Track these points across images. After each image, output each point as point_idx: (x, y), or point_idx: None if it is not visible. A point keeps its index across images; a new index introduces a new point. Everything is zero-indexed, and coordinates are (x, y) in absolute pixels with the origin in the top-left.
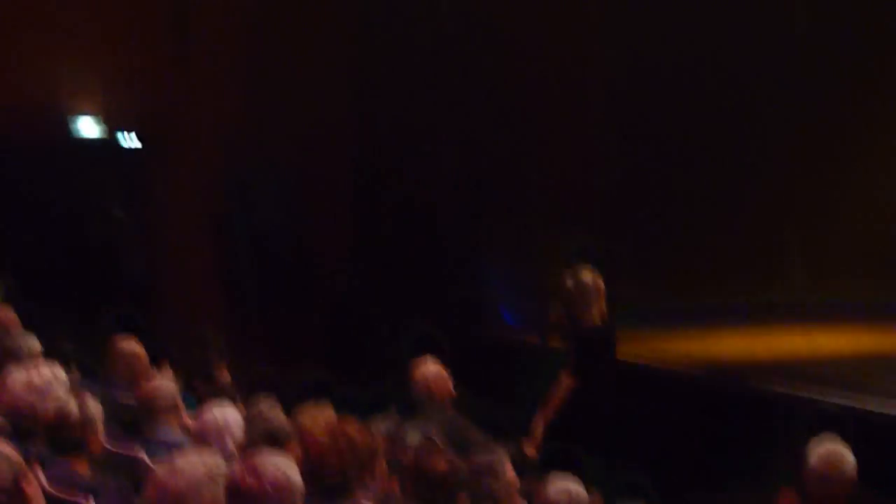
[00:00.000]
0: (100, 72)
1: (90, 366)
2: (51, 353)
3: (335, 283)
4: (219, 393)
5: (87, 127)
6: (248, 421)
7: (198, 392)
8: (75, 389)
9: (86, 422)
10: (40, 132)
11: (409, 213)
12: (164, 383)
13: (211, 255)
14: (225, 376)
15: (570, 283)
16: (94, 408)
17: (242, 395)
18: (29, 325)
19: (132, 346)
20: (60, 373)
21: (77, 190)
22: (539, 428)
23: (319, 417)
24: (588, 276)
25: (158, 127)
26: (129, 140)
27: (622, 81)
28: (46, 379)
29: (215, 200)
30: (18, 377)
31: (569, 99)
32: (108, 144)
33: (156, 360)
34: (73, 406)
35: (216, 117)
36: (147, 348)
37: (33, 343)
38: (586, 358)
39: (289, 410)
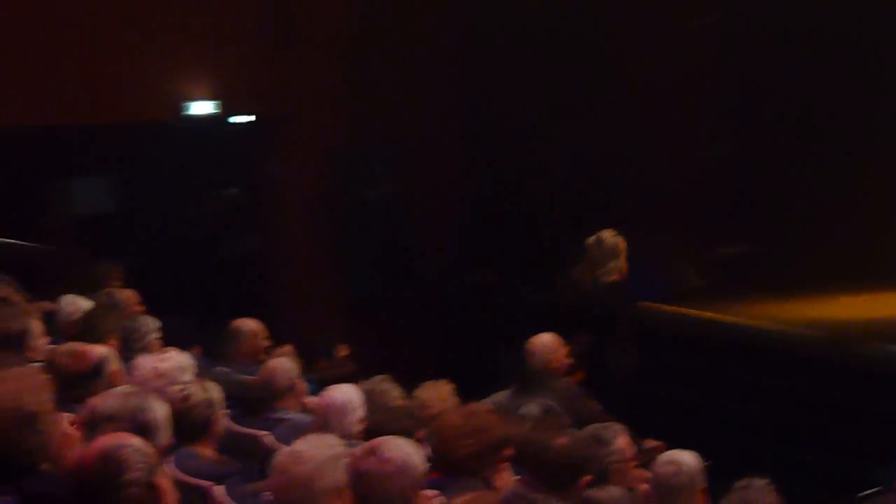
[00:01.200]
0: (212, 54)
1: (210, 345)
2: (171, 333)
3: (447, 261)
4: (339, 373)
5: (202, 109)
6: (369, 400)
7: (318, 372)
8: (198, 373)
9: (209, 406)
10: (156, 115)
11: (519, 191)
12: (284, 362)
13: (324, 234)
14: (344, 356)
15: (592, 240)
16: (217, 391)
17: (361, 374)
18: (149, 305)
19: (252, 325)
20: (185, 358)
21: (192, 171)
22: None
23: (441, 396)
24: (609, 235)
25: (271, 107)
26: (243, 120)
27: (730, 74)
28: (172, 365)
29: (328, 179)
30: (145, 364)
31: (674, 94)
32: (221, 125)
33: (275, 340)
34: (198, 391)
35: (327, 96)
36: (266, 328)
37: (153, 323)
38: (602, 310)
39: (407, 389)
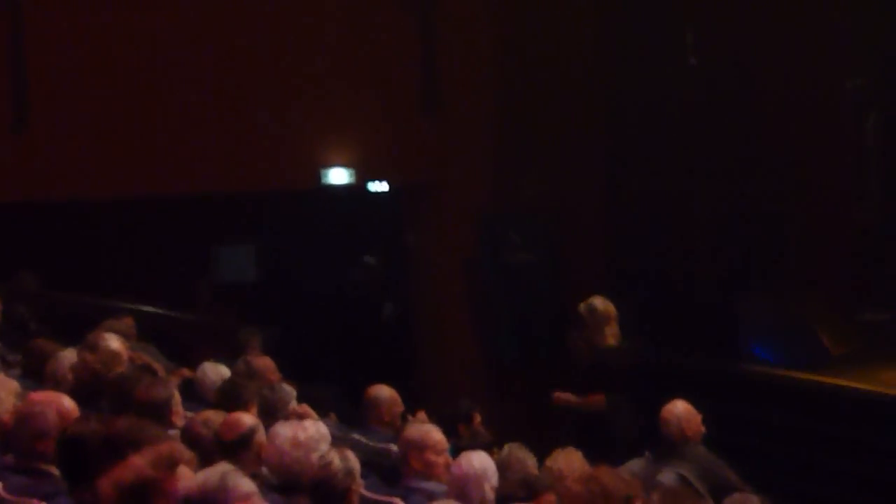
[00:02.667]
0: (349, 122)
1: (347, 411)
2: (308, 400)
3: None
4: (475, 440)
5: (339, 177)
6: (504, 468)
7: (456, 439)
8: (336, 440)
9: (348, 474)
10: (295, 183)
11: (666, 255)
12: (425, 429)
13: (467, 300)
14: (479, 423)
15: (583, 308)
16: (354, 459)
17: (497, 441)
18: (287, 373)
19: (387, 392)
20: (323, 427)
21: (332, 239)
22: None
23: (573, 464)
24: (599, 302)
25: (409, 174)
26: (380, 187)
27: (882, 137)
28: (311, 434)
29: (471, 245)
30: (284, 433)
31: (824, 155)
32: (359, 193)
33: (411, 407)
34: (336, 460)
35: (470, 162)
36: (403, 395)
37: (291, 391)
38: (602, 377)
39: (543, 457)
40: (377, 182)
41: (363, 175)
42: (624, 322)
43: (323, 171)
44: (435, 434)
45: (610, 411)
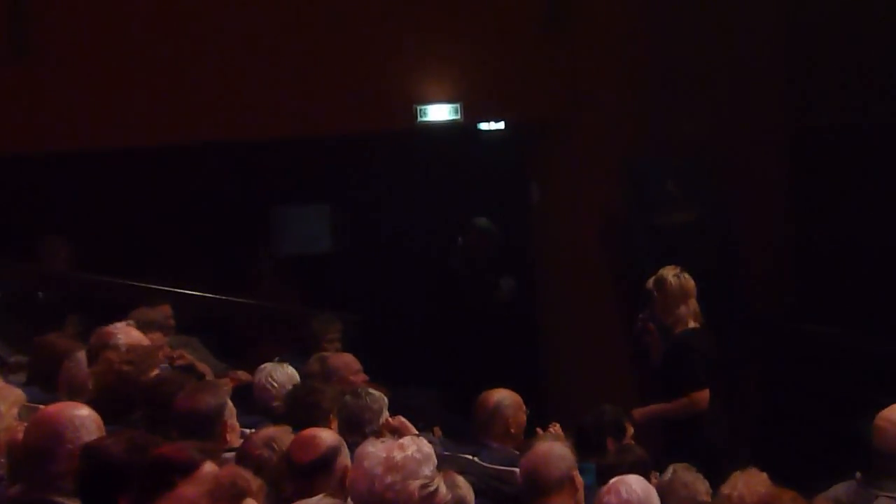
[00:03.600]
0: (454, 45)
1: (454, 424)
2: (404, 409)
3: (776, 307)
4: (627, 459)
5: (441, 114)
6: (667, 495)
7: (599, 458)
8: (443, 462)
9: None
10: (383, 124)
11: (867, 216)
12: (556, 448)
13: (606, 273)
14: (632, 436)
15: (651, 284)
16: (467, 487)
17: (654, 462)
18: (376, 374)
19: (509, 398)
20: (426, 445)
21: (429, 195)
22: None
23: (755, 489)
24: (671, 274)
25: (532, 110)
26: (494, 128)
27: None
28: (410, 454)
29: (608, 202)
30: (375, 453)
31: None
32: (467, 135)
33: (539, 416)
34: (442, 487)
35: (608, 95)
36: (528, 400)
37: (381, 399)
38: (678, 367)
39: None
40: (490, 121)
41: (472, 112)
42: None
43: (420, 108)
44: (563, 452)
45: (707, 414)
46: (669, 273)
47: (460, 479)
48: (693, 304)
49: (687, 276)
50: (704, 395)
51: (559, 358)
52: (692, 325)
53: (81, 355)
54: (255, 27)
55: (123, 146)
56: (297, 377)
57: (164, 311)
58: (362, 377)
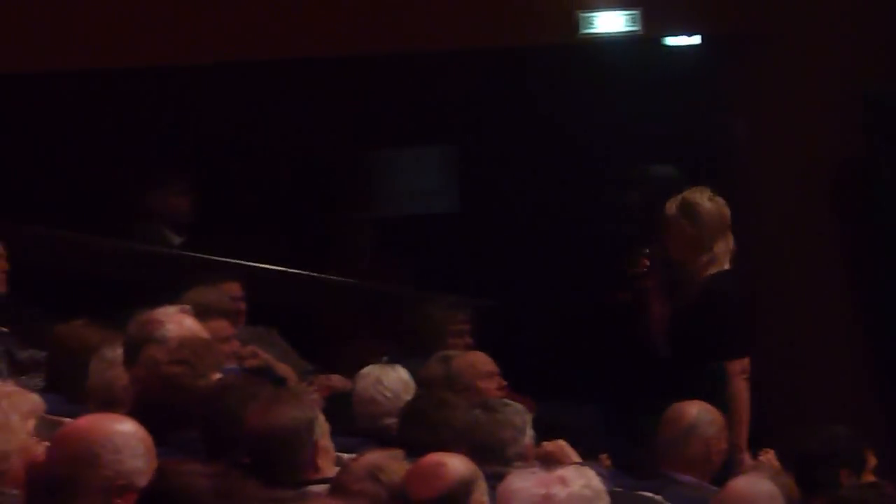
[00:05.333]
0: None
1: (625, 449)
2: (555, 427)
3: None
4: (869, 498)
5: (612, 24)
6: None
7: (826, 494)
8: (615, 502)
9: None
10: (533, 36)
11: None
12: (761, 484)
13: (838, 238)
14: (873, 469)
15: (671, 210)
16: None
17: None
18: (517, 382)
19: (700, 414)
20: (594, 478)
21: (597, 132)
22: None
23: None
24: (704, 197)
25: (734, 19)
26: (683, 41)
27: None
28: (574, 492)
29: (845, 141)
30: (525, 488)
31: None
32: (647, 51)
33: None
34: None
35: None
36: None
37: (523, 413)
38: (704, 320)
39: None
40: (679, 34)
41: (655, 22)
42: None
43: (584, 17)
44: (786, 487)
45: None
46: (702, 196)
47: None
48: (731, 239)
49: (722, 200)
50: (746, 364)
51: (772, 361)
52: (726, 266)
53: (116, 352)
54: None
55: (148, 63)
56: (411, 384)
57: (230, 291)
58: (498, 384)
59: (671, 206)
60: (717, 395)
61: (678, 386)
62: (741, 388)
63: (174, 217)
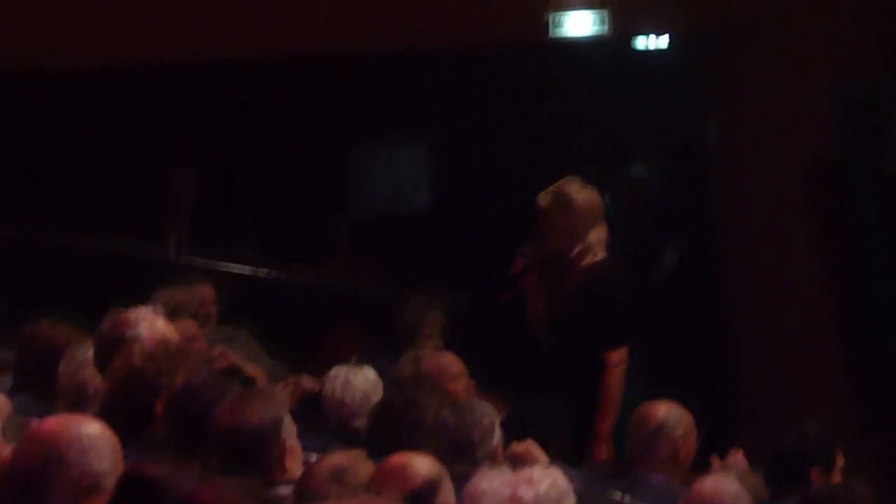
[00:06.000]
0: None
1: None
2: (525, 427)
3: None
4: (840, 500)
5: (581, 25)
6: None
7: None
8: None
9: None
10: (504, 36)
11: None
12: (729, 487)
13: (813, 238)
14: (841, 468)
15: (545, 202)
16: None
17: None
18: (486, 379)
19: (673, 413)
20: (561, 479)
21: (567, 130)
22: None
23: None
24: (574, 187)
25: (704, 16)
26: (653, 43)
27: None
28: (542, 492)
29: (819, 139)
30: (492, 489)
31: None
32: (617, 52)
33: (714, 439)
34: None
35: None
36: (699, 416)
37: (491, 413)
38: (582, 310)
39: None
40: (647, 35)
41: (622, 22)
42: None
43: (553, 17)
44: (754, 487)
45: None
46: (573, 186)
47: None
48: (604, 228)
49: (593, 189)
50: (623, 354)
51: (744, 359)
52: (601, 256)
53: (86, 351)
54: None
55: (140, 61)
56: (380, 385)
57: (201, 293)
58: (465, 384)
59: (545, 199)
60: (592, 384)
61: (560, 377)
62: (615, 379)
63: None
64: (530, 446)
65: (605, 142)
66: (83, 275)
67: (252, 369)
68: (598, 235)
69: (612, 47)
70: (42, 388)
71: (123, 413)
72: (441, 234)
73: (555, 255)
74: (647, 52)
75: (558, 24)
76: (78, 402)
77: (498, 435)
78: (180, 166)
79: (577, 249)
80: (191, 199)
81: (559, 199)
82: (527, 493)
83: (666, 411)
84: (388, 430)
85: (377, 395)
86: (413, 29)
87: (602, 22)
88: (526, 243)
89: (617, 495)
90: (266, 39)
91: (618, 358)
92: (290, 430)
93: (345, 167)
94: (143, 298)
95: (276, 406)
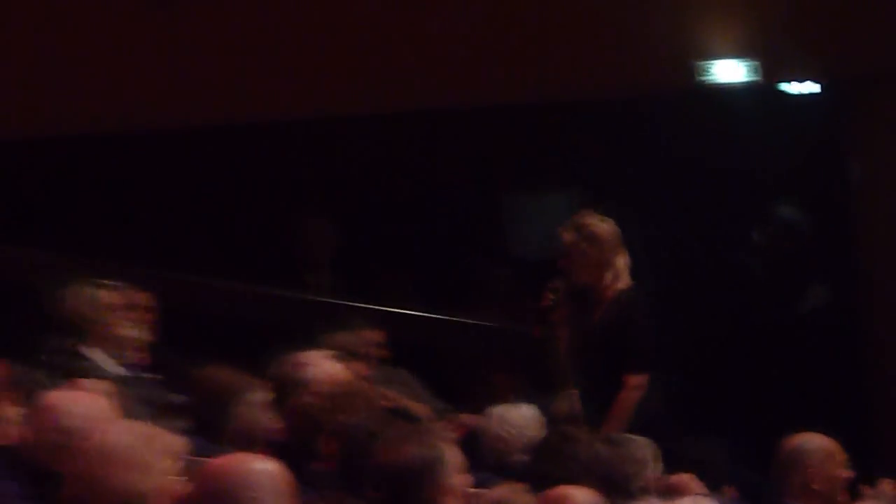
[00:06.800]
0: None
1: (751, 480)
2: (680, 462)
3: None
4: None
5: (730, 72)
6: None
7: None
8: None
9: None
10: (652, 84)
11: None
12: None
13: None
14: None
15: (569, 237)
16: None
17: None
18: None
19: (822, 445)
20: None
21: (717, 176)
22: None
23: None
24: (597, 221)
25: (854, 64)
26: (801, 88)
27: None
28: None
29: None
30: None
31: None
32: (765, 98)
33: (864, 470)
34: None
35: None
36: (849, 449)
37: (646, 448)
38: (608, 338)
39: None
40: (794, 81)
41: (771, 69)
42: None
43: (701, 65)
44: None
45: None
46: (594, 218)
47: None
48: (626, 254)
49: (611, 220)
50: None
51: (893, 390)
52: (628, 281)
53: (258, 394)
54: None
55: (286, 118)
56: (536, 422)
57: (369, 337)
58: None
59: (568, 234)
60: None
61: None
62: (630, 402)
63: (316, 261)
64: (688, 478)
65: (754, 183)
66: (240, 321)
67: (418, 408)
68: (623, 262)
69: (759, 93)
70: (215, 429)
71: (296, 451)
72: None
73: (584, 287)
74: (793, 97)
75: (707, 72)
76: (251, 443)
77: (653, 467)
78: (320, 217)
79: (607, 278)
80: (330, 248)
81: (584, 233)
82: None
83: (799, 442)
84: (548, 463)
85: (533, 431)
86: (565, 80)
87: (750, 69)
88: (555, 280)
89: None
90: (425, 93)
91: (636, 382)
92: (450, 468)
93: (499, 214)
94: (306, 342)
95: (432, 444)
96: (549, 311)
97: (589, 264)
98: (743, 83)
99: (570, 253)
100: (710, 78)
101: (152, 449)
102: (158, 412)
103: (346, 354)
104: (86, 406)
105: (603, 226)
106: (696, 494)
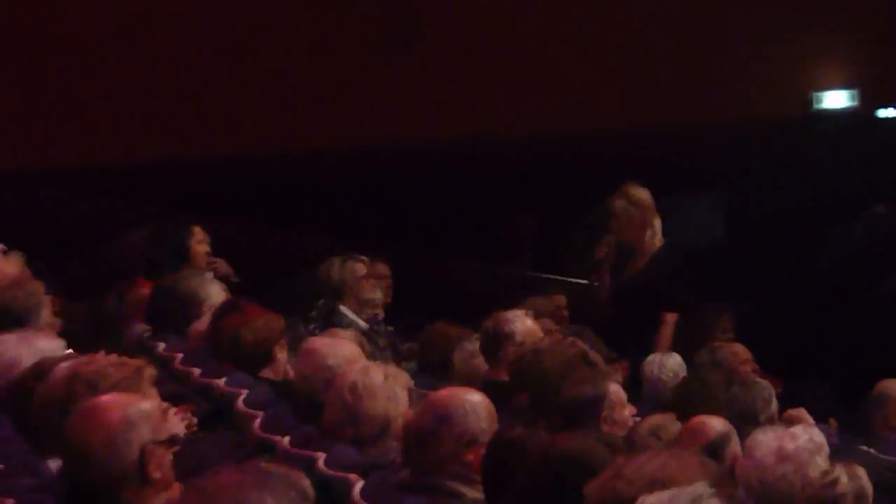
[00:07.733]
0: (850, 25)
1: (848, 416)
2: (795, 401)
3: None
4: None
5: (837, 101)
6: None
7: None
8: (838, 453)
9: (861, 498)
10: (774, 112)
11: None
12: None
13: None
14: None
15: (617, 204)
16: (867, 479)
17: None
18: (767, 366)
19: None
20: (819, 435)
21: (824, 184)
22: None
23: None
24: (639, 191)
25: None
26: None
27: None
28: (802, 444)
29: None
30: (766, 442)
31: None
32: (865, 122)
33: None
34: (843, 477)
35: None
36: None
37: (768, 388)
38: (643, 293)
39: None
40: (892, 107)
41: (871, 98)
42: None
43: (815, 95)
44: None
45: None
46: (635, 188)
47: (861, 470)
48: (659, 217)
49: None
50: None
51: None
52: (662, 239)
53: (474, 343)
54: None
55: (515, 134)
56: (684, 367)
57: (556, 301)
58: (752, 367)
59: (617, 202)
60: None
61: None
62: (668, 331)
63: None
64: (801, 412)
65: (851, 194)
66: (465, 289)
67: (594, 356)
68: (658, 223)
69: (863, 119)
70: (439, 371)
71: (501, 387)
72: (728, 265)
73: (629, 243)
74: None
75: (819, 101)
76: (468, 382)
77: (775, 404)
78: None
79: (648, 235)
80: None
81: (630, 199)
82: (789, 444)
83: (883, 386)
84: (685, 399)
85: (683, 373)
86: (703, 107)
87: (855, 98)
88: (604, 238)
89: (864, 448)
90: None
91: (671, 317)
92: (614, 401)
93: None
94: (513, 305)
95: (602, 384)
96: (601, 261)
97: (635, 226)
98: (846, 110)
99: (618, 218)
100: (820, 105)
101: (394, 384)
102: (394, 356)
103: (540, 314)
104: (342, 350)
105: (643, 193)
106: (808, 424)
